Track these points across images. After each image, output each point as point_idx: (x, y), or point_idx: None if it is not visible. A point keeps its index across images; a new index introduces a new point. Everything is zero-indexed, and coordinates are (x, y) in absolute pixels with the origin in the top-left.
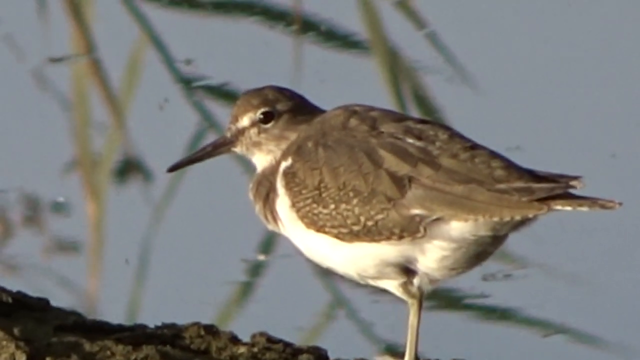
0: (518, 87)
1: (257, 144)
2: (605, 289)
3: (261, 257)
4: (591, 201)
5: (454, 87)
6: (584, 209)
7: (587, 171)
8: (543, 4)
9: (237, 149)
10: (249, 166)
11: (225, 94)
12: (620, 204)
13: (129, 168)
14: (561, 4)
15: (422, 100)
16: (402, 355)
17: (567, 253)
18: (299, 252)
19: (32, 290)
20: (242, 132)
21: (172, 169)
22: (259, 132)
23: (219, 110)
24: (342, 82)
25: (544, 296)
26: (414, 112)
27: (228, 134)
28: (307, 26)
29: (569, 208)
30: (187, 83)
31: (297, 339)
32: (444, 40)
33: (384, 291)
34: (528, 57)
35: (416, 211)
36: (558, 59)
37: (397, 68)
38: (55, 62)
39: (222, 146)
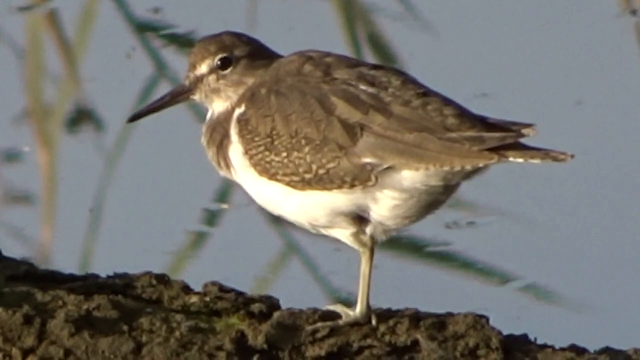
0: (483, 34)
1: (215, 91)
2: (566, 236)
3: (224, 206)
4: (543, 153)
5: (417, 35)
6: (536, 161)
7: (553, 118)
8: None
9: (196, 97)
10: (202, 114)
11: (185, 42)
12: (572, 156)
13: (82, 118)
14: None
15: (379, 47)
16: (354, 304)
17: (531, 200)
18: (251, 200)
19: None
20: (200, 79)
21: (132, 119)
22: (218, 79)
23: (178, 59)
24: (296, 28)
25: (506, 244)
26: (371, 59)
27: (186, 82)
28: None
29: (520, 160)
30: (142, 32)
31: (250, 289)
32: None
33: (338, 240)
34: (491, 3)
35: (367, 159)
36: (523, 6)
37: (353, 13)
38: (12, 12)
39: (180, 94)
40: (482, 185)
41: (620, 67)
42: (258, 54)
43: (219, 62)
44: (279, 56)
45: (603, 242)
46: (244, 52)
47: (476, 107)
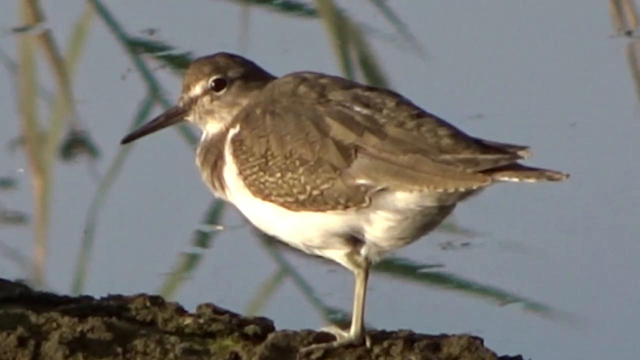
0: (476, 56)
1: (209, 112)
2: (561, 257)
3: (218, 227)
4: (539, 172)
5: (410, 57)
6: (531, 180)
7: (547, 140)
8: None
9: (190, 118)
10: (194, 136)
11: (180, 63)
12: (567, 175)
13: (75, 142)
14: None
15: (372, 69)
16: (349, 325)
17: (525, 221)
18: (246, 221)
19: None
20: (194, 100)
21: (126, 140)
22: (212, 100)
23: (173, 80)
24: (290, 50)
25: (500, 264)
26: (364, 80)
27: (180, 104)
28: None
29: (515, 179)
30: (137, 53)
31: (244, 310)
32: (398, 10)
33: (332, 261)
34: (485, 25)
35: (361, 181)
36: (516, 27)
37: (346, 35)
38: (7, 32)
39: (175, 116)
40: (477, 206)
41: (614, 88)
42: (252, 76)
43: (213, 84)
44: (273, 77)
45: (598, 262)
46: (238, 74)
47: (471, 129)
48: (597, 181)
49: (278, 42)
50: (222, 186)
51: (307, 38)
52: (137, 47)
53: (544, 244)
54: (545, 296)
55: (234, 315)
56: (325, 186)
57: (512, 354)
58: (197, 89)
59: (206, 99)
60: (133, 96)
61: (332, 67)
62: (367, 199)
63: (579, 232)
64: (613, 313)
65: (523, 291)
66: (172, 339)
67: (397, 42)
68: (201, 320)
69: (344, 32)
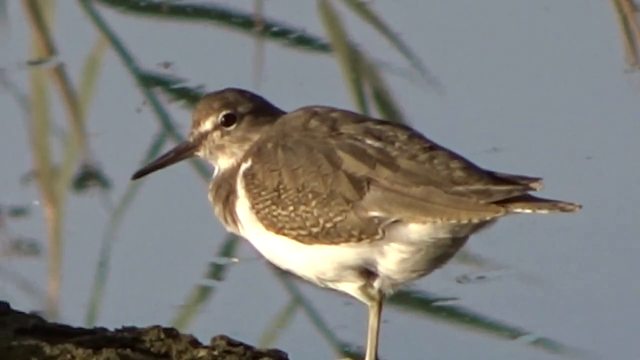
0: (491, 90)
1: (220, 147)
2: (575, 290)
3: (233, 260)
4: (551, 204)
5: (424, 91)
6: (544, 211)
7: (563, 173)
8: (516, 6)
9: (200, 154)
10: (206, 170)
11: (193, 97)
12: (580, 206)
13: (88, 175)
14: (532, 7)
15: (385, 103)
16: (363, 358)
17: (540, 254)
18: (259, 255)
19: None
20: (204, 136)
21: (137, 175)
22: (222, 135)
23: (186, 114)
24: (305, 84)
25: (516, 298)
26: (378, 115)
27: (190, 139)
28: (269, 29)
29: (528, 211)
30: (150, 86)
31: (258, 342)
32: (412, 44)
33: (345, 293)
34: (499, 59)
35: (374, 213)
36: (532, 61)
37: (359, 70)
38: (21, 66)
39: (185, 151)
40: (493, 239)
41: (629, 122)
42: (262, 110)
43: (223, 119)
44: (282, 112)
45: (613, 296)
46: (247, 109)
47: (487, 162)
48: (613, 214)
49: (292, 77)
50: (235, 221)
51: (322, 72)
52: (151, 80)
53: (560, 277)
54: (558, 331)
55: (248, 348)
56: (338, 219)
57: None
58: (207, 125)
59: (216, 134)
60: (146, 129)
61: (346, 101)
62: (380, 231)
63: (594, 265)
64: (627, 347)
65: (536, 325)
66: None
67: (411, 77)
68: (215, 352)
69: (358, 66)
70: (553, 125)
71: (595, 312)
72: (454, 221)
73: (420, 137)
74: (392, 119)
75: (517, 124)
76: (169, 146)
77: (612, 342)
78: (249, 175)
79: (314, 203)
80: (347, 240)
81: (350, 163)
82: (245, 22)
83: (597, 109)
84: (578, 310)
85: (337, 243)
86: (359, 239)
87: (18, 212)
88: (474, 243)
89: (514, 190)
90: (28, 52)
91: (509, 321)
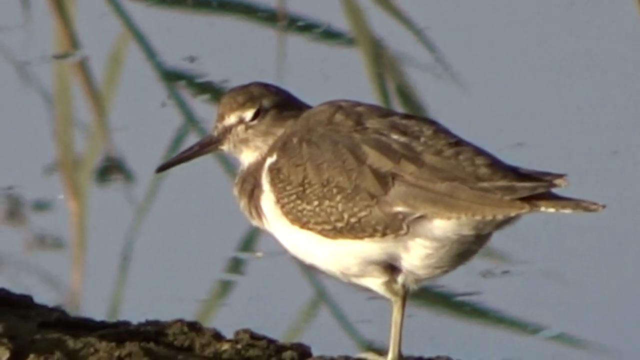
0: (516, 84)
1: (244, 141)
2: (598, 289)
3: (258, 254)
4: (575, 203)
5: (449, 86)
6: (567, 210)
7: (588, 168)
8: (541, 0)
9: (225, 147)
10: (230, 164)
11: (217, 91)
12: (604, 206)
13: (112, 168)
14: (558, 1)
15: (409, 97)
16: (386, 353)
17: (564, 250)
18: (283, 249)
19: (16, 287)
20: (228, 130)
21: (161, 169)
22: (246, 129)
23: (210, 108)
24: (329, 79)
25: (539, 294)
26: (401, 109)
27: (215, 133)
28: (293, 23)
29: (552, 210)
30: (173, 81)
31: (281, 336)
32: (436, 39)
33: (368, 289)
34: (524, 53)
35: (399, 209)
36: (557, 55)
37: (383, 64)
38: (46, 60)
39: (209, 145)
40: (518, 234)
41: None
42: (286, 105)
43: (247, 113)
44: (307, 106)
45: (636, 293)
46: (272, 103)
47: (511, 157)
48: (638, 210)
49: (316, 71)
50: (260, 215)
51: (345, 67)
52: (175, 74)
53: (583, 273)
54: (581, 327)
55: (271, 341)
56: (362, 214)
57: None
58: (231, 119)
59: (240, 128)
60: (171, 123)
61: (370, 95)
62: (404, 226)
63: (618, 262)
64: None
65: (560, 321)
66: None
67: (435, 71)
68: (239, 346)
69: (382, 61)
70: (578, 119)
71: (618, 309)
72: (478, 217)
73: (445, 132)
74: (416, 114)
75: (542, 118)
76: (192, 140)
77: (634, 338)
78: (274, 170)
79: (338, 198)
80: (371, 236)
81: (375, 158)
82: (269, 17)
83: (622, 104)
84: (600, 306)
85: (361, 238)
86: (383, 234)
87: (42, 206)
88: (498, 238)
89: (539, 187)
90: (52, 45)
91: (532, 316)
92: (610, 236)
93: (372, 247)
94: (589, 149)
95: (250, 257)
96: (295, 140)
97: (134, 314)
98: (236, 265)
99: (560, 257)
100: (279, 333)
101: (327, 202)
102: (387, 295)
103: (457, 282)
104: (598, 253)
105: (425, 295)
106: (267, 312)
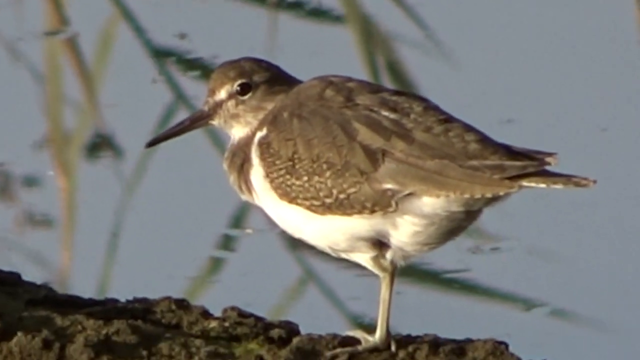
0: (506, 61)
1: (235, 116)
2: (588, 265)
3: (247, 231)
4: (566, 178)
5: (438, 62)
6: (558, 186)
7: (578, 145)
8: None
9: (215, 122)
10: (219, 140)
11: (207, 68)
12: (595, 181)
13: (101, 144)
14: None
15: (399, 74)
16: (374, 329)
17: (554, 226)
18: (272, 224)
19: (3, 265)
20: (219, 104)
21: (151, 143)
22: (237, 104)
23: (199, 85)
24: (319, 55)
25: (528, 270)
26: (391, 85)
27: (205, 108)
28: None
29: (542, 185)
30: (163, 57)
31: (269, 314)
32: (426, 16)
33: (357, 265)
34: (514, 30)
35: (388, 185)
36: (547, 32)
37: (373, 41)
38: (37, 37)
39: (199, 120)
40: (507, 211)
41: None
42: (277, 80)
43: (238, 88)
44: (298, 81)
45: (626, 269)
46: (263, 78)
47: (501, 134)
48: (627, 187)
49: (306, 48)
50: (249, 189)
51: (335, 43)
52: (165, 51)
53: (573, 249)
54: (571, 302)
55: (259, 319)
56: (352, 190)
57: (537, 359)
58: (222, 93)
59: (231, 103)
60: (161, 100)
61: (359, 72)
62: (393, 203)
63: (608, 238)
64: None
65: (550, 296)
66: (198, 342)
67: (425, 48)
68: (226, 324)
69: (372, 37)
70: (568, 96)
71: (607, 285)
72: (467, 195)
73: (435, 108)
74: (406, 90)
75: (532, 95)
76: (182, 117)
77: (627, 312)
78: (264, 144)
79: (328, 174)
80: (360, 212)
81: (365, 135)
82: None
83: (612, 81)
84: (590, 282)
85: (350, 214)
86: (372, 211)
87: (31, 182)
88: (487, 214)
89: (529, 165)
90: (42, 22)
91: (521, 293)
92: (599, 212)
93: (360, 224)
94: (579, 126)
95: (239, 234)
96: (285, 114)
97: (122, 292)
98: (225, 242)
99: (549, 233)
100: (267, 310)
101: (316, 178)
102: (376, 271)
103: (446, 259)
104: (587, 229)
105: (413, 272)
106: (256, 289)
